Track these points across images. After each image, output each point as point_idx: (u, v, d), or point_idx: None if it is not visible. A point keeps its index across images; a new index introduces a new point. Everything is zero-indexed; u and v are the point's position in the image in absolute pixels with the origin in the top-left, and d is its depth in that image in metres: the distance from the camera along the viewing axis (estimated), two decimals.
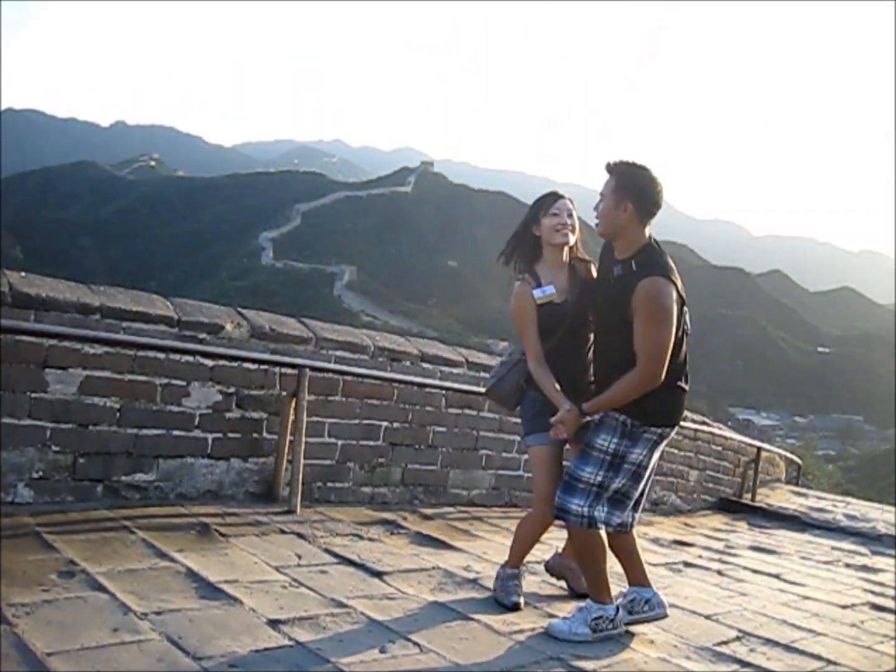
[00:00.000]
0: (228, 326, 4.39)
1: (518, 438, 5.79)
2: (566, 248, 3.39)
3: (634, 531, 3.42)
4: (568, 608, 3.46)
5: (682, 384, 3.23)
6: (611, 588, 3.25)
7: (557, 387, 3.27)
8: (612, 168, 3.15)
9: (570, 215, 3.35)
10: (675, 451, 7.55)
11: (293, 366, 4.50)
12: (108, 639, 2.43)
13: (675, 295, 3.06)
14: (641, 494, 3.32)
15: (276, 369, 4.55)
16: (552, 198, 3.38)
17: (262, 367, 4.49)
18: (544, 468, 3.37)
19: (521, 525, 3.57)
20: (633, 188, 3.09)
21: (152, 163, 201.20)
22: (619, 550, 3.43)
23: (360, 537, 4.14)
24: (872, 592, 4.98)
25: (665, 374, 3.06)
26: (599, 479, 3.13)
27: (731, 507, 8.35)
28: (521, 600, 3.43)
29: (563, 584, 3.90)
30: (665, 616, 3.45)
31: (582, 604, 3.27)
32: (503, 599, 3.41)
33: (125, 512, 3.81)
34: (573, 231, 3.36)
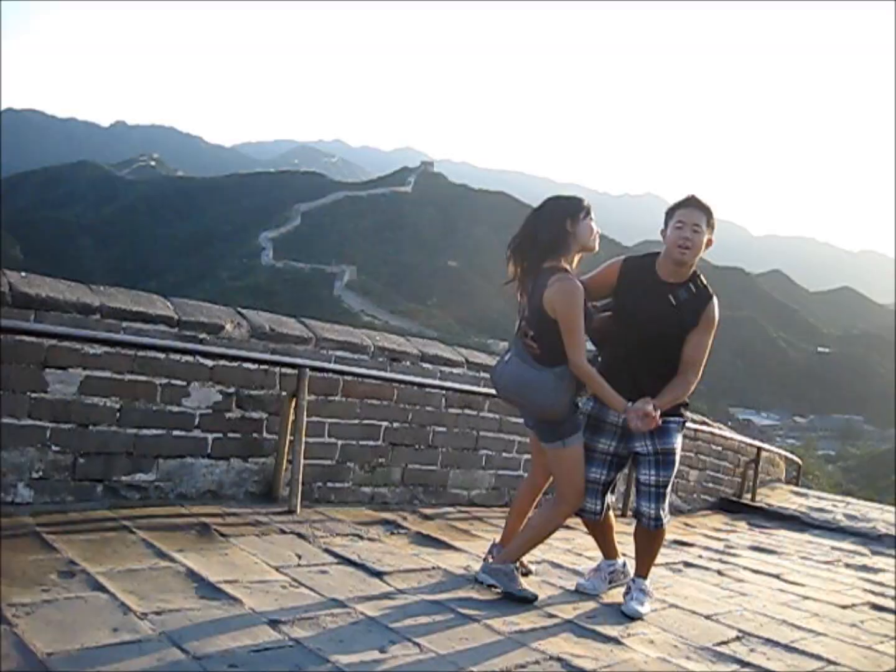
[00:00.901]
0: (228, 326, 4.40)
1: (518, 438, 5.79)
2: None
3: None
4: (568, 608, 3.47)
5: None
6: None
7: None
8: (704, 207, 3.40)
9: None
10: None
11: (293, 366, 4.50)
12: (108, 639, 2.43)
13: None
14: None
15: (276, 369, 4.55)
16: (588, 206, 3.36)
17: (262, 367, 4.49)
18: (583, 465, 3.44)
19: (541, 515, 3.59)
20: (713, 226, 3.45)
21: (152, 163, 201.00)
22: (610, 529, 3.81)
23: (360, 537, 4.14)
24: (872, 592, 4.99)
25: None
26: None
27: (731, 507, 8.36)
28: None
29: (562, 583, 3.90)
30: (629, 576, 3.80)
31: (641, 584, 3.59)
32: (524, 593, 3.44)
33: (125, 512, 3.81)
34: None
